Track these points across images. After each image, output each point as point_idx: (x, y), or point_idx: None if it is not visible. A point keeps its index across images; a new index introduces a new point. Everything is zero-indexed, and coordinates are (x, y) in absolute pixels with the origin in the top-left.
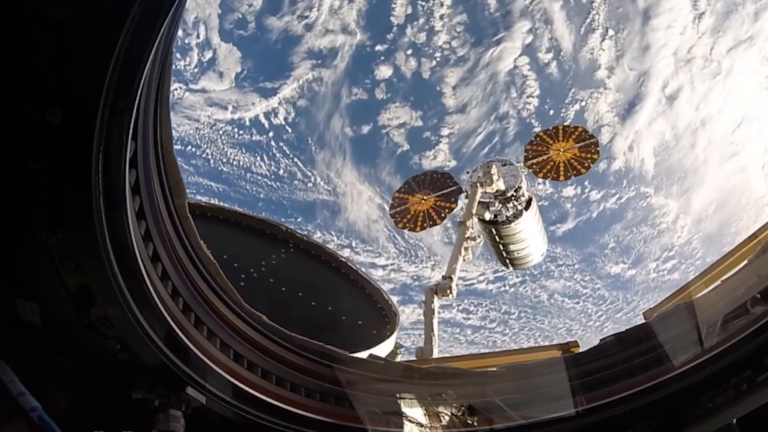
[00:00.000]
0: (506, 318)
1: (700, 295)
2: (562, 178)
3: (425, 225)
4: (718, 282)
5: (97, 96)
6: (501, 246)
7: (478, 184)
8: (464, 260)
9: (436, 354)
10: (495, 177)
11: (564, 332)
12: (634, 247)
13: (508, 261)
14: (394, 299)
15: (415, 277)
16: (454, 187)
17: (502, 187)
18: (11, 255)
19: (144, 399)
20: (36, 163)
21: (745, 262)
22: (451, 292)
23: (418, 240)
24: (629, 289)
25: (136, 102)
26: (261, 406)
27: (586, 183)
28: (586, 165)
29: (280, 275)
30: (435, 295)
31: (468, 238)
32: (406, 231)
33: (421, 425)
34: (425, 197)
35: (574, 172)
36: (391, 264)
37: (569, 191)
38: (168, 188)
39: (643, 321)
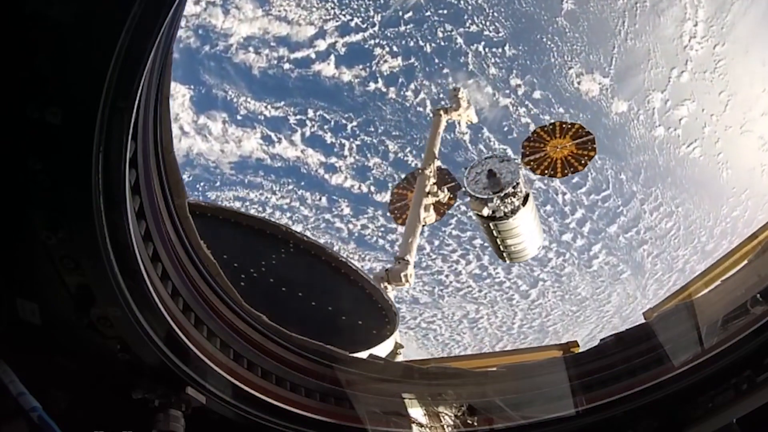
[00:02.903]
0: None
1: (700, 295)
2: (559, 174)
3: (425, 221)
4: (718, 282)
5: (97, 96)
6: (498, 240)
7: (442, 111)
8: (425, 224)
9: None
10: (464, 103)
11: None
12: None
13: (505, 255)
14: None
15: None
16: (453, 183)
17: (474, 119)
18: (11, 255)
19: (144, 399)
20: (36, 163)
21: (745, 262)
22: (407, 279)
23: None
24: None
25: (136, 102)
26: (261, 406)
27: None
28: (583, 162)
29: (280, 275)
30: (388, 285)
31: (429, 193)
32: None
33: (421, 425)
34: None
35: (572, 169)
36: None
37: None
38: (168, 188)
39: (643, 321)
